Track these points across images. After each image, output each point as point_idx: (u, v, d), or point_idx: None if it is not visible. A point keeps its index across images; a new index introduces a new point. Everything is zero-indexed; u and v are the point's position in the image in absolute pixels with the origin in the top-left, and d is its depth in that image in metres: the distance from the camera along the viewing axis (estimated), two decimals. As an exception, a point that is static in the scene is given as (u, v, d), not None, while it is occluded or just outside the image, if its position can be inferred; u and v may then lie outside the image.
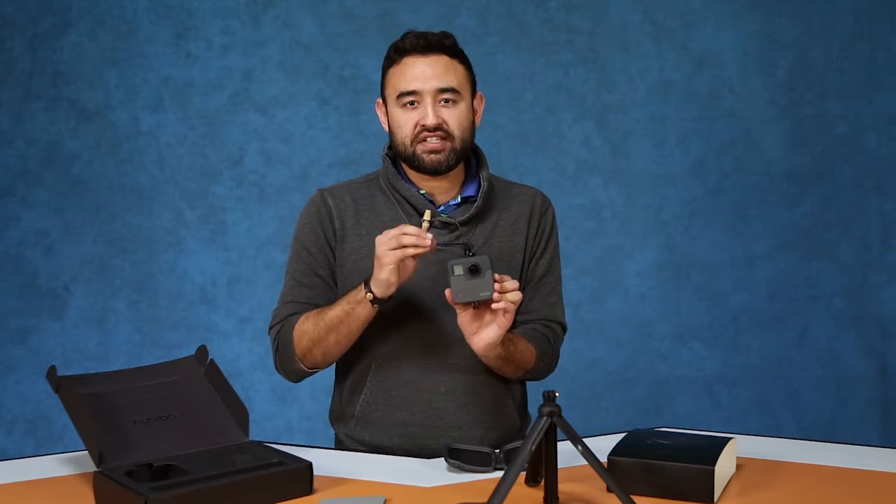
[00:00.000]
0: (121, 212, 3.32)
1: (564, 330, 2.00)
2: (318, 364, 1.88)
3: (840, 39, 3.27)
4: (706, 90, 3.30)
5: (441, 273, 1.84)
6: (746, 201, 3.31)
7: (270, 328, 1.92)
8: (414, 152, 1.83)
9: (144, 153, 3.32)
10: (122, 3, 3.28)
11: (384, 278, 1.71)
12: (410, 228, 1.70)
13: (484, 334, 1.70)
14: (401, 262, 1.71)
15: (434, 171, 1.84)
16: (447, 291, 1.67)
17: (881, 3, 3.26)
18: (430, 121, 1.81)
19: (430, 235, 1.69)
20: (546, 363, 1.93)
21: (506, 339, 1.76)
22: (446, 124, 1.82)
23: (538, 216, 1.96)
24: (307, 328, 1.83)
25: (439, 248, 1.86)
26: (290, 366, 1.88)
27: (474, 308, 1.68)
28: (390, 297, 1.76)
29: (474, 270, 1.64)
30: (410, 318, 1.85)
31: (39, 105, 3.29)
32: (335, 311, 1.80)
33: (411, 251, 1.69)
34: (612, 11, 3.29)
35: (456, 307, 1.69)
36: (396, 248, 1.69)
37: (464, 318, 1.70)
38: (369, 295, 1.75)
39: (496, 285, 1.64)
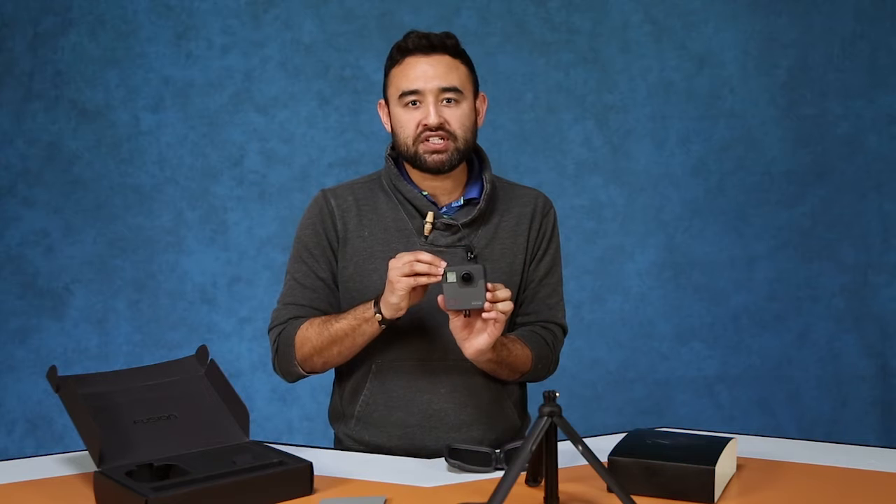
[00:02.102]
0: (121, 212, 3.32)
1: (565, 332, 1.99)
2: (317, 370, 1.89)
3: (840, 39, 3.27)
4: (706, 90, 3.30)
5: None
6: (746, 201, 3.31)
7: (270, 329, 1.92)
8: (416, 152, 1.83)
9: (145, 153, 3.32)
10: (122, 3, 3.28)
11: (394, 303, 1.71)
12: (425, 256, 1.68)
13: (474, 341, 1.70)
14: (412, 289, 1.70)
15: (437, 171, 1.84)
16: (440, 298, 1.67)
17: (881, 3, 3.26)
18: (432, 120, 1.80)
19: (444, 263, 1.67)
20: (544, 366, 1.93)
21: (498, 344, 1.76)
22: (448, 124, 1.82)
23: (540, 218, 1.95)
24: (311, 336, 1.83)
25: (442, 249, 1.86)
26: (289, 368, 1.89)
27: (465, 316, 1.68)
28: (398, 319, 1.76)
29: (467, 279, 1.64)
30: (411, 319, 1.85)
31: (39, 105, 3.29)
32: (341, 325, 1.80)
33: (423, 280, 1.68)
34: (612, 11, 3.29)
35: (448, 312, 1.69)
36: (409, 274, 1.68)
37: (455, 324, 1.70)
38: (378, 315, 1.75)
39: (488, 294, 1.64)
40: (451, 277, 1.64)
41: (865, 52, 3.27)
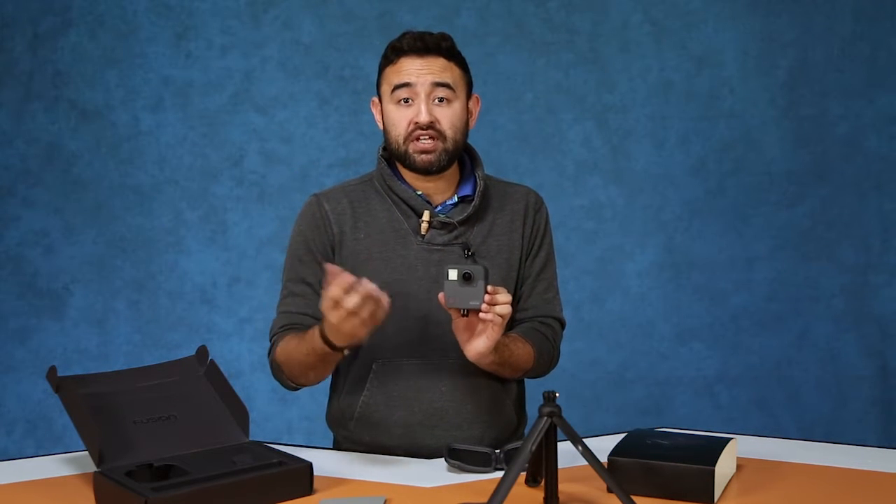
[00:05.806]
0: (121, 212, 3.32)
1: (563, 325, 2.00)
2: (312, 383, 1.85)
3: (840, 39, 3.27)
4: (706, 90, 3.30)
5: (442, 274, 1.84)
6: (746, 201, 3.31)
7: (270, 338, 1.90)
8: (406, 151, 1.84)
9: (144, 153, 3.32)
10: (122, 3, 3.28)
11: (339, 336, 1.64)
12: (335, 289, 1.57)
13: (475, 343, 1.70)
14: (350, 320, 1.59)
15: (425, 171, 1.85)
16: (440, 294, 1.67)
17: (881, 3, 3.26)
18: (423, 118, 1.81)
19: (382, 300, 1.59)
20: (546, 361, 1.93)
21: (500, 345, 1.76)
22: (438, 123, 1.82)
23: (532, 214, 1.96)
24: (289, 355, 1.79)
25: (439, 247, 1.86)
26: (286, 384, 1.87)
27: (463, 315, 1.68)
28: (360, 344, 1.71)
29: (468, 278, 1.64)
30: (410, 318, 1.85)
31: (39, 105, 3.29)
32: (303, 352, 1.74)
33: (351, 308, 1.57)
34: (612, 11, 3.29)
35: (450, 311, 1.69)
36: (338, 309, 1.59)
37: (457, 325, 1.70)
38: (326, 347, 1.67)
39: (487, 297, 1.64)
40: (453, 275, 1.64)
41: (865, 52, 3.27)
